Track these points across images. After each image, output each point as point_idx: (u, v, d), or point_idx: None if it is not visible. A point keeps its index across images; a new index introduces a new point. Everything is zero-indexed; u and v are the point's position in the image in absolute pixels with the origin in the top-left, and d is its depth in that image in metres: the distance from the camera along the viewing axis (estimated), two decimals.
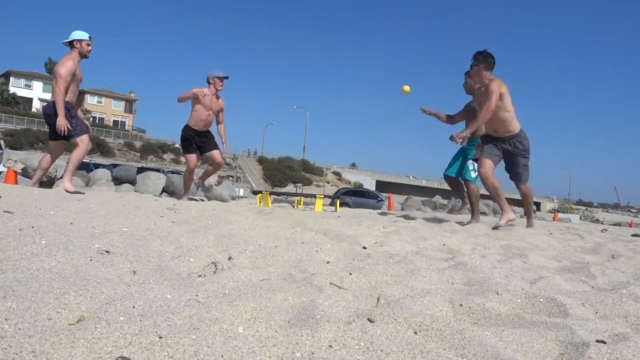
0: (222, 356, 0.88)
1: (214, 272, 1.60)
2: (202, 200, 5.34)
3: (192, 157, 5.46)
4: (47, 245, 1.70)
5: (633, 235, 4.94)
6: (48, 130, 4.91)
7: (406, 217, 5.22)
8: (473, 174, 4.95)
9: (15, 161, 9.48)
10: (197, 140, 5.45)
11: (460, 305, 1.41)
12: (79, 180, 10.70)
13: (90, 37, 4.89)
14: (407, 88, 4.64)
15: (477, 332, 1.13)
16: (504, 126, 4.40)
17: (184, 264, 1.66)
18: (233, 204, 5.64)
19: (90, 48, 4.90)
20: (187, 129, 5.45)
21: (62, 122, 4.59)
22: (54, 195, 3.75)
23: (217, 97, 5.56)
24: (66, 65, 4.66)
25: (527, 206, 4.86)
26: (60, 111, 4.59)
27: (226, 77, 5.56)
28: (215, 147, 5.60)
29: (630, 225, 14.51)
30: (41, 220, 2.29)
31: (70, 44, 4.83)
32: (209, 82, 5.52)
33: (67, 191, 4.39)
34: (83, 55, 4.86)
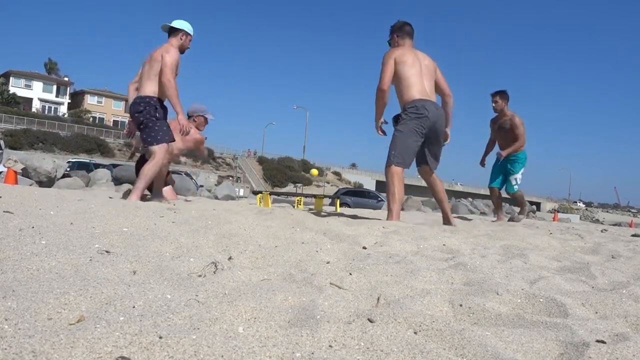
0: (222, 356, 0.88)
1: (214, 272, 1.60)
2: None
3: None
4: (47, 246, 1.70)
5: (633, 235, 4.95)
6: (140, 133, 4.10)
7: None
8: (516, 188, 5.97)
9: (15, 161, 9.49)
10: None
11: (460, 305, 1.41)
12: (78, 181, 10.69)
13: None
14: (315, 172, 4.64)
15: (477, 332, 1.13)
16: (400, 99, 3.89)
17: (184, 264, 1.66)
18: (233, 204, 5.63)
19: (189, 47, 4.21)
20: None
21: (184, 122, 3.92)
22: (54, 195, 3.74)
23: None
24: (172, 53, 3.93)
25: (387, 197, 3.86)
26: (178, 108, 3.90)
27: (212, 119, 4.92)
28: None
29: (630, 225, 14.52)
30: (41, 221, 2.29)
31: (174, 31, 4.07)
32: (191, 117, 4.76)
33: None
34: (181, 51, 4.12)
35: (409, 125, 3.76)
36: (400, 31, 4.00)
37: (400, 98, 3.88)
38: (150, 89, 3.97)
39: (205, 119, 4.89)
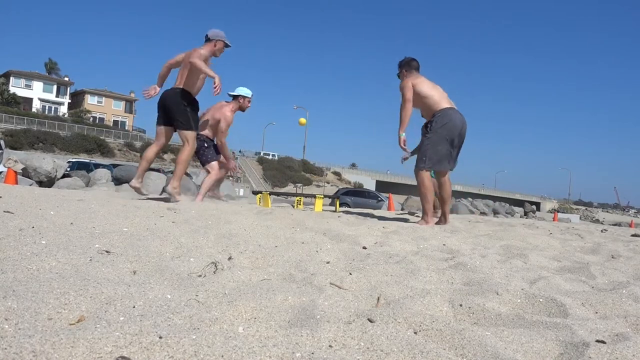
0: (222, 356, 0.88)
1: (214, 272, 1.60)
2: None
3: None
4: (47, 245, 1.70)
5: (633, 235, 4.94)
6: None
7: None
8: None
9: (15, 161, 9.48)
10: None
11: (460, 305, 1.41)
12: (78, 181, 10.70)
13: (252, 95, 5.36)
14: (302, 121, 4.62)
15: (477, 332, 1.13)
16: (427, 111, 4.25)
17: (184, 264, 1.66)
18: (233, 203, 5.63)
19: (249, 105, 5.38)
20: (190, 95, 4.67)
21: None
22: (54, 195, 3.75)
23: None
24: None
25: (421, 199, 4.25)
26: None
27: (228, 45, 4.85)
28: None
29: (630, 225, 14.53)
30: (41, 221, 2.29)
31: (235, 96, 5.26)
32: (212, 41, 4.66)
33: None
34: (242, 110, 5.35)
35: (438, 132, 4.08)
36: (407, 66, 4.41)
37: (428, 110, 4.22)
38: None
39: (225, 44, 4.88)
